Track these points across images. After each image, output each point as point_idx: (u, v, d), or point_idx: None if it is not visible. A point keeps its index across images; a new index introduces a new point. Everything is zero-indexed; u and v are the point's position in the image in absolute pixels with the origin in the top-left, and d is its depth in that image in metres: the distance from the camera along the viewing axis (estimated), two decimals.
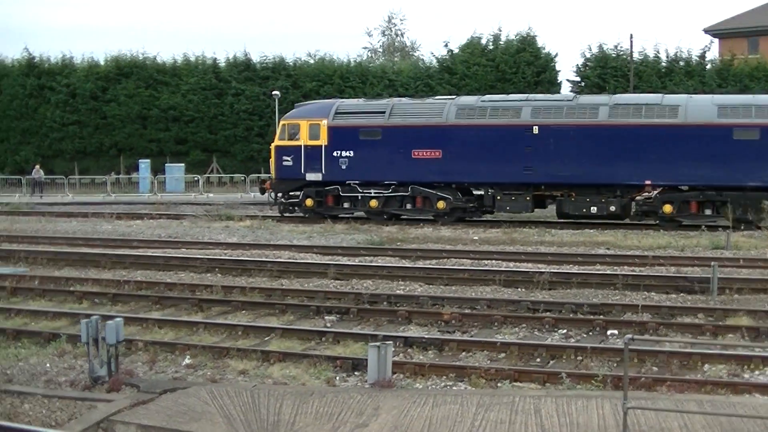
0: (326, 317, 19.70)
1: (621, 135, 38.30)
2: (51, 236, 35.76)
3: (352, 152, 41.98)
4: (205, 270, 25.88)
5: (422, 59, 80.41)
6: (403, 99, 46.62)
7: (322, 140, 42.29)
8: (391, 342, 14.53)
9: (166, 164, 70.46)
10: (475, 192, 41.97)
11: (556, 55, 73.46)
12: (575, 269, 24.86)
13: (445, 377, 14.72)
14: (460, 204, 41.33)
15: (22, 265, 28.18)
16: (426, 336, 17.36)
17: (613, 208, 38.62)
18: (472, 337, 17.72)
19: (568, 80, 73.69)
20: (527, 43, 72.18)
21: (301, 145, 42.60)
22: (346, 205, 42.91)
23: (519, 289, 22.45)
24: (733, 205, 36.52)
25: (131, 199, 60.93)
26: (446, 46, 74.34)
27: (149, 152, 74.21)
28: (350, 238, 33.79)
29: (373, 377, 13.70)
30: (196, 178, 67.82)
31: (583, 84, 71.37)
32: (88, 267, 27.56)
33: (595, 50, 72.48)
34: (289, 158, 42.91)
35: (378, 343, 13.95)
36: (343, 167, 42.15)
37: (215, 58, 76.61)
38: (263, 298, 21.82)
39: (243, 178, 66.68)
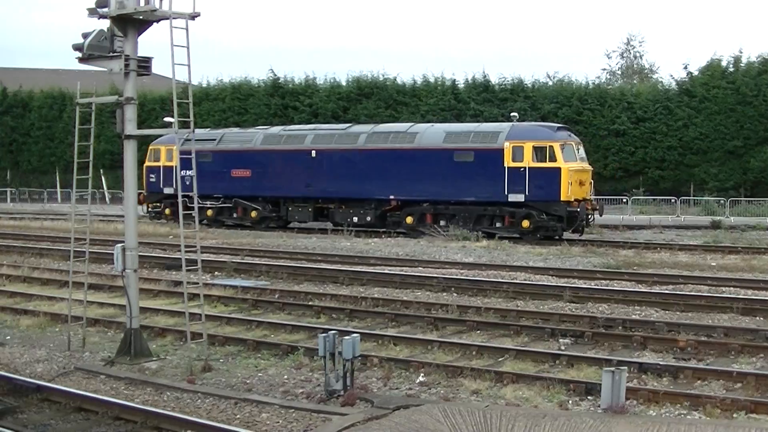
0: (561, 340, 19.50)
1: (373, 158, 46.52)
2: (291, 251, 36.67)
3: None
4: (441, 289, 26.03)
5: (661, 82, 78.32)
6: (234, 129, 57.78)
7: (175, 162, 48.78)
8: (625, 367, 14.28)
9: None
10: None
11: None
12: None
13: (679, 405, 14.32)
14: (267, 214, 50.68)
15: (263, 278, 29.04)
16: (661, 363, 17.00)
17: (369, 219, 46.98)
18: (707, 365, 17.21)
19: None
20: None
21: (160, 166, 53.50)
22: (193, 213, 48.07)
23: (758, 318, 21.65)
24: (457, 218, 44.30)
25: None
26: (686, 68, 72.13)
27: None
28: (586, 261, 33.39)
29: (606, 402, 13.50)
30: None
31: None
32: (327, 282, 28.09)
33: None
34: (153, 176, 53.96)
35: (612, 368, 13.72)
36: (188, 183, 45.93)
37: (454, 80, 76.62)
38: (498, 318, 21.78)
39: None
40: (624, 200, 61.09)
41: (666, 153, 68.13)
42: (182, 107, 17.46)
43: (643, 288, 25.88)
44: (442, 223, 44.42)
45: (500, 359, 17.60)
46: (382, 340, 19.17)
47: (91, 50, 17.53)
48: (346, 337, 14.46)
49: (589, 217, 43.88)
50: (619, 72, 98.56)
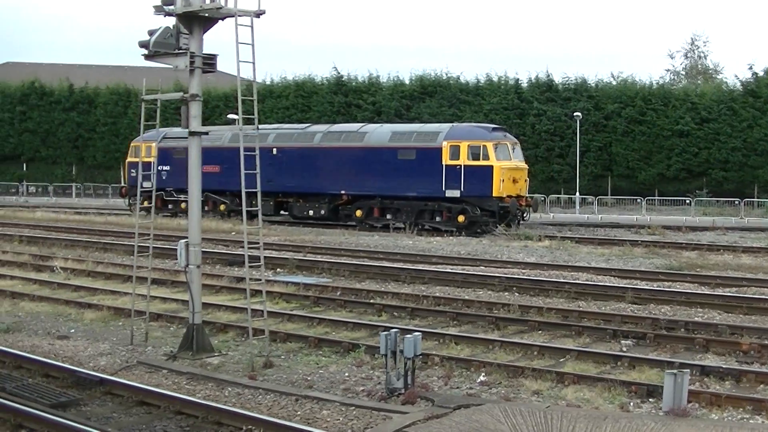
0: (622, 341, 19.35)
1: (327, 155, 50.30)
2: (353, 249, 36.69)
3: (169, 167, 55.41)
4: (502, 289, 25.92)
5: (726, 82, 77.57)
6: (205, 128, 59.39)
7: (153, 157, 52.81)
8: (687, 370, 14.16)
9: None
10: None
11: None
12: None
13: (741, 409, 14.13)
14: (234, 207, 53.22)
15: (325, 275, 29.10)
16: (723, 366, 16.80)
17: (323, 212, 50.90)
18: None
19: None
20: None
21: (139, 162, 52.88)
22: (170, 206, 56.41)
23: None
24: (402, 212, 48.26)
25: None
26: (750, 68, 71.71)
27: None
28: (648, 262, 33.13)
29: (668, 405, 13.40)
30: None
31: None
32: (388, 281, 28.06)
33: None
34: (134, 171, 57.45)
35: (674, 371, 13.63)
36: (164, 177, 55.40)
37: (517, 79, 76.47)
38: (559, 319, 21.66)
39: (543, 198, 65.87)
40: (687, 201, 60.63)
41: (730, 154, 67.58)
42: (246, 104, 17.57)
43: (705, 290, 25.65)
44: (388, 216, 49.07)
45: (561, 360, 17.51)
46: (443, 339, 19.13)
47: (157, 47, 17.70)
48: (408, 336, 14.46)
49: (523, 213, 47.12)
50: (683, 72, 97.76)
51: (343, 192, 50.07)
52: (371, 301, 24.05)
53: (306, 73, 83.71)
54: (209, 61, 17.83)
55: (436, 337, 19.31)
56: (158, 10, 17.63)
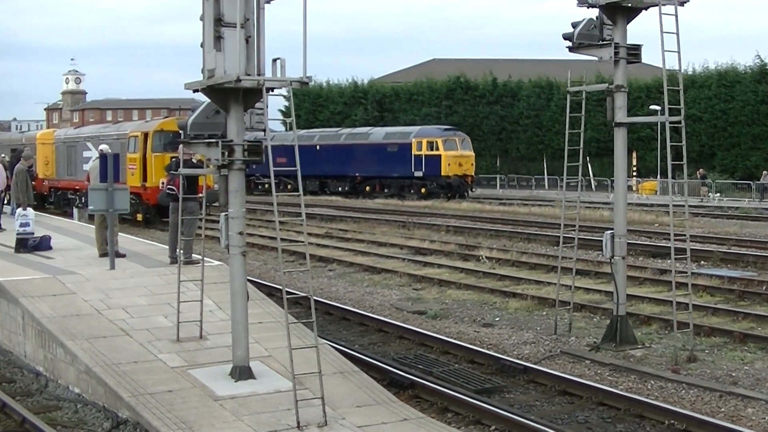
0: None
1: (351, 150, 71.69)
2: None
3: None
4: None
5: None
6: (325, 129, 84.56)
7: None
8: None
9: None
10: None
11: None
12: None
13: None
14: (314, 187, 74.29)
15: (750, 269, 28.21)
16: None
17: (347, 188, 71.51)
18: None
19: None
20: None
21: None
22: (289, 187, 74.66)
23: None
24: (392, 187, 68.91)
25: None
26: None
27: None
28: None
29: None
30: None
31: None
32: None
33: None
34: None
35: None
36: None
37: None
38: None
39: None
40: None
41: None
42: (671, 95, 17.33)
43: None
44: (386, 191, 69.34)
45: None
46: None
47: (581, 39, 17.86)
48: None
49: (467, 187, 67.36)
50: None
51: (357, 174, 71.25)
52: None
53: (728, 62, 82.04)
54: (634, 52, 17.78)
55: None
56: (581, 2, 17.77)
